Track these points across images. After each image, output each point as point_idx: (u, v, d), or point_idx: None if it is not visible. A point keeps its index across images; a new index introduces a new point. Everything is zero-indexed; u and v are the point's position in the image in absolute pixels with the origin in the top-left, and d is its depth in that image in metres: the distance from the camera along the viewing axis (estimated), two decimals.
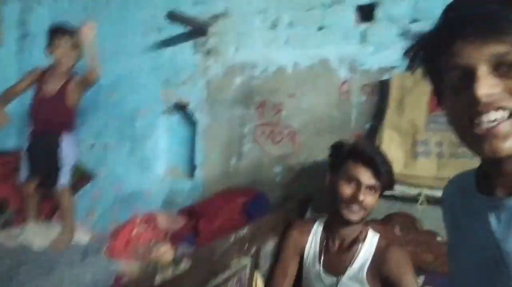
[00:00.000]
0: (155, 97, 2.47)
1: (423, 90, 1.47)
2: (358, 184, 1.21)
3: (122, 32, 2.64)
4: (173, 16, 2.04)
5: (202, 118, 2.24)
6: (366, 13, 1.73)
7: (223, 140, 2.15)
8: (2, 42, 2.96)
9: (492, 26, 0.51)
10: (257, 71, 2.03)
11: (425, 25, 1.63)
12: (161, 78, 2.44)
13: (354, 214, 1.22)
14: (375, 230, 1.37)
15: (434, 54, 0.58)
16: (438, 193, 1.43)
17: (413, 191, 1.49)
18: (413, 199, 1.50)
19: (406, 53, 0.62)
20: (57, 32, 2.17)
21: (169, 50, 2.41)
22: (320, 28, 1.85)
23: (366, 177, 1.21)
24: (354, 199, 1.21)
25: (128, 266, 1.83)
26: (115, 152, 2.67)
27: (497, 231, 0.56)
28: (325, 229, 1.36)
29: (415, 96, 1.49)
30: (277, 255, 1.41)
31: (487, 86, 0.51)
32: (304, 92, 1.87)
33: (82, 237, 2.23)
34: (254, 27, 2.06)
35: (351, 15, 1.76)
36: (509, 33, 0.51)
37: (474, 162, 1.38)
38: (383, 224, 1.49)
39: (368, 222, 1.37)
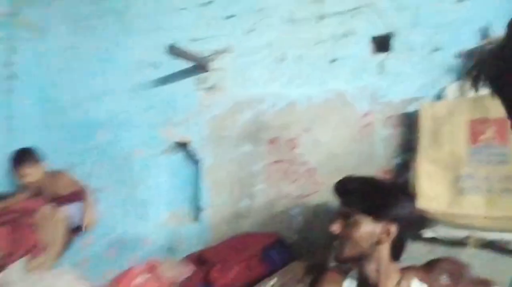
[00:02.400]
0: (153, 137, 2.32)
1: (461, 119, 1.38)
2: (346, 216, 1.11)
3: (114, 70, 2.51)
4: (174, 51, 1.93)
5: (205, 157, 2.09)
6: (382, 44, 1.66)
7: (231, 180, 2.00)
8: None
9: None
10: (265, 106, 1.92)
11: (447, 54, 1.55)
12: (159, 116, 2.30)
13: (337, 251, 1.11)
14: (418, 277, 1.23)
15: (503, 69, 0.50)
16: (492, 236, 1.31)
17: (459, 233, 1.35)
18: (459, 242, 1.37)
19: (469, 72, 0.54)
20: (24, 161, 2.33)
21: (167, 87, 2.28)
22: (333, 61, 1.77)
23: (341, 207, 1.12)
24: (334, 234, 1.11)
25: None
26: (109, 196, 2.48)
27: None
28: (356, 283, 1.22)
29: (452, 126, 1.39)
30: None
31: None
32: (320, 126, 1.76)
33: None
34: (258, 62, 1.97)
35: (365, 46, 1.69)
36: None
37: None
38: (426, 271, 1.35)
39: (406, 268, 1.24)
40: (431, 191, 1.36)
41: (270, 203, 1.88)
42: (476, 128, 1.34)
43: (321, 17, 1.80)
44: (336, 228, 1.13)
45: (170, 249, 2.19)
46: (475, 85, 0.54)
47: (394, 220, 1.08)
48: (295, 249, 1.74)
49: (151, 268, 1.85)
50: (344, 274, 1.26)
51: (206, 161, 2.08)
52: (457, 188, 1.35)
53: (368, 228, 1.09)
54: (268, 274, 1.54)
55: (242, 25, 2.01)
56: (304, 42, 1.83)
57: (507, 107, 0.55)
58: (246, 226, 1.92)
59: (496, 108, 1.33)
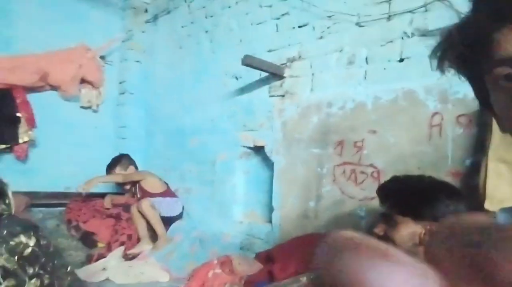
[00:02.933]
0: (234, 142, 2.51)
1: None
2: (378, 219, 1.20)
3: (203, 82, 2.80)
4: (248, 60, 2.09)
5: (279, 159, 2.19)
6: None
7: (300, 182, 2.05)
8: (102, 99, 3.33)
9: None
10: (334, 109, 1.94)
11: None
12: (239, 123, 2.49)
13: None
14: None
15: (472, 48, 0.45)
16: None
17: None
18: None
19: (433, 52, 0.49)
20: (116, 165, 2.90)
21: (246, 96, 2.47)
22: (401, 60, 1.73)
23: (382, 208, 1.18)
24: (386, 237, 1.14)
25: None
26: (197, 196, 2.74)
27: None
28: None
29: None
30: None
31: None
32: (387, 127, 1.72)
33: (161, 277, 2.25)
34: (329, 66, 2.01)
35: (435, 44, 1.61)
36: None
37: None
38: None
39: None
40: (499, 193, 1.24)
41: (336, 205, 1.88)
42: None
43: (389, 17, 1.77)
44: (378, 230, 1.14)
45: (244, 246, 2.32)
46: (441, 65, 0.51)
47: (436, 219, 1.05)
48: None
49: (225, 263, 2.00)
50: None
51: (279, 164, 2.18)
52: None
53: (408, 229, 1.09)
54: None
55: (313, 32, 2.09)
56: (373, 43, 1.82)
57: (474, 87, 0.53)
58: (312, 227, 1.95)
59: None
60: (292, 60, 2.19)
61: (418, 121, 1.62)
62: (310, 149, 2.03)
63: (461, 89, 1.52)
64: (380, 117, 1.75)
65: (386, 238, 1.12)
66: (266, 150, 2.29)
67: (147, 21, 3.39)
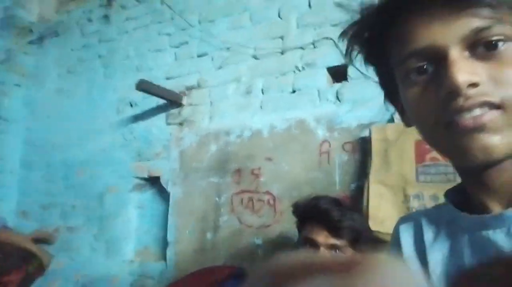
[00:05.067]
0: (126, 173, 2.33)
1: (407, 140, 1.39)
2: (315, 247, 1.06)
3: (95, 109, 2.59)
4: (143, 85, 2.00)
5: (175, 190, 2.08)
6: (338, 74, 1.72)
7: (198, 213, 1.96)
8: None
9: None
10: (232, 138, 1.94)
11: None
12: (133, 152, 2.33)
13: None
14: None
15: (379, 37, 0.44)
16: None
17: None
18: None
19: (343, 34, 0.46)
20: None
21: (141, 124, 2.34)
22: (294, 91, 1.83)
23: (322, 236, 1.06)
24: None
25: None
26: (81, 234, 2.43)
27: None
28: None
29: (399, 147, 1.40)
30: None
31: (467, 72, 0.37)
32: (282, 155, 1.77)
33: None
34: (228, 95, 2.03)
35: (323, 77, 1.75)
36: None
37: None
38: None
39: None
40: (381, 213, 1.33)
41: (233, 235, 1.83)
42: (422, 149, 1.35)
43: (283, 52, 1.88)
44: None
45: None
46: (349, 50, 0.48)
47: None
48: None
49: None
50: None
51: (175, 195, 2.07)
52: (406, 208, 1.32)
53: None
54: None
55: (212, 62, 2.11)
56: (268, 75, 1.91)
57: (381, 78, 0.51)
58: (209, 260, 1.85)
59: None
60: (191, 88, 2.16)
61: (309, 149, 1.70)
62: (208, 178, 1.97)
63: (345, 119, 1.65)
64: (276, 145, 1.79)
65: None
66: (162, 180, 2.17)
67: (31, 42, 3.07)
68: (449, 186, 1.31)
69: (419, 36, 0.40)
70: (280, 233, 1.69)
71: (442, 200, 1.30)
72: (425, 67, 0.41)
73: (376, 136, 1.47)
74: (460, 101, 0.37)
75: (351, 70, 1.68)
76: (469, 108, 0.38)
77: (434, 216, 0.52)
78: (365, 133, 1.58)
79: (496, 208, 0.43)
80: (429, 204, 1.30)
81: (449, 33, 0.38)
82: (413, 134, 1.39)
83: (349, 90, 1.67)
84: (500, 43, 0.38)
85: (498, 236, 0.41)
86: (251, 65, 1.97)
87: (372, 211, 1.35)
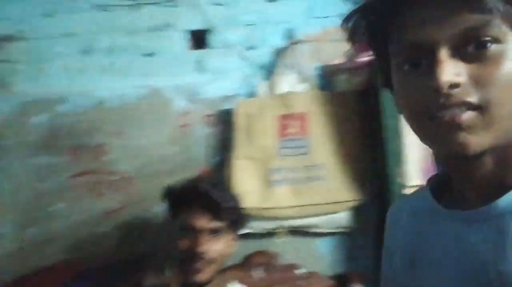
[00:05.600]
0: None
1: (270, 115, 1.39)
2: (195, 233, 0.97)
3: None
4: None
5: None
6: (199, 39, 1.58)
7: (21, 202, 1.55)
8: None
9: None
10: (66, 107, 1.58)
11: (260, 52, 1.57)
12: None
13: (198, 273, 0.95)
14: (236, 278, 1.15)
15: (378, 26, 0.46)
16: (297, 222, 1.34)
17: (271, 225, 1.34)
18: (273, 233, 1.36)
19: (345, 20, 0.47)
20: None
21: None
22: (148, 55, 1.59)
23: (202, 221, 0.99)
24: (193, 253, 0.95)
25: None
26: None
27: (484, 248, 0.42)
28: None
29: (263, 122, 1.39)
30: None
31: (451, 73, 0.39)
32: (133, 129, 1.53)
33: None
34: (59, 53, 1.63)
35: (182, 41, 1.58)
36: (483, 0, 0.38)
37: (330, 183, 1.36)
38: (243, 269, 1.28)
39: (226, 270, 1.14)
40: (245, 187, 1.31)
41: (74, 225, 1.52)
42: (283, 123, 1.37)
43: (137, 5, 1.60)
44: (203, 248, 1.00)
45: None
46: (352, 36, 0.48)
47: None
48: (110, 273, 1.44)
49: None
50: None
51: None
52: (268, 181, 1.34)
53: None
54: None
55: (39, 7, 1.65)
56: (116, 32, 1.60)
57: (380, 64, 0.51)
58: (45, 258, 1.50)
59: (299, 104, 1.39)
60: (4, 39, 1.65)
61: (167, 122, 1.52)
62: (32, 158, 1.56)
63: (207, 89, 1.53)
64: (126, 117, 1.54)
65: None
66: None
67: None
68: (303, 158, 1.37)
69: (414, 31, 0.42)
70: (136, 217, 1.49)
71: (298, 172, 1.36)
72: (417, 61, 0.42)
73: (240, 110, 1.41)
74: (442, 99, 0.39)
75: (213, 38, 1.56)
76: (449, 107, 0.40)
77: (415, 206, 0.55)
78: (228, 105, 1.50)
79: (474, 199, 0.45)
80: (288, 177, 1.34)
81: (440, 32, 0.40)
82: (275, 109, 1.41)
83: (211, 59, 1.55)
84: (488, 44, 0.40)
85: (473, 232, 0.43)
86: (93, 17, 1.61)
87: (235, 184, 1.31)
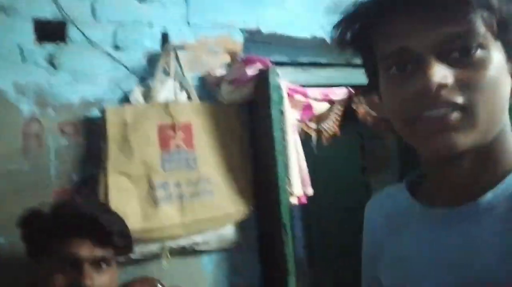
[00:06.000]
0: None
1: (150, 125, 1.25)
2: (76, 264, 0.83)
3: None
4: None
5: None
6: (52, 31, 1.31)
7: None
8: None
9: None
10: None
11: (131, 55, 1.46)
12: None
13: None
14: None
15: (365, 32, 0.48)
16: (183, 241, 1.26)
17: (154, 247, 1.22)
18: (156, 255, 1.24)
19: (335, 27, 0.49)
20: None
21: None
22: None
23: (86, 249, 0.85)
24: None
25: None
26: None
27: (462, 245, 0.46)
28: None
29: (141, 132, 1.24)
30: None
31: (439, 75, 0.42)
32: None
33: None
34: None
35: (30, 31, 1.28)
36: (467, 8, 0.41)
37: (216, 197, 1.32)
38: None
39: None
40: (124, 208, 1.15)
41: None
42: (165, 134, 1.27)
43: None
44: (89, 282, 0.81)
45: None
46: (341, 43, 0.50)
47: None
48: None
49: None
50: None
51: None
52: (151, 199, 1.21)
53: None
54: None
55: None
56: None
57: (367, 70, 0.53)
58: None
59: (182, 114, 1.31)
60: None
61: (10, 130, 1.21)
62: None
63: (63, 92, 1.29)
64: None
65: None
66: None
67: None
68: (189, 173, 1.31)
69: (402, 37, 0.44)
70: None
71: (184, 187, 1.29)
72: (404, 65, 0.45)
73: (112, 119, 1.23)
74: (430, 99, 0.42)
75: (71, 31, 1.32)
76: (436, 106, 0.42)
77: (391, 202, 0.58)
78: (91, 113, 1.30)
79: (452, 197, 0.48)
80: (174, 193, 1.24)
81: (427, 38, 0.43)
82: (155, 118, 1.28)
83: (68, 56, 1.31)
84: (473, 51, 0.43)
85: (453, 230, 0.46)
86: None
87: (113, 206, 1.13)
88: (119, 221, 0.91)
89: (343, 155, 2.87)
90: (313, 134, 1.67)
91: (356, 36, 0.49)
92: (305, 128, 1.61)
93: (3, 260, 1.12)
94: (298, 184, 1.31)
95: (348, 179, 3.07)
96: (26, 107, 1.24)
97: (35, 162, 1.23)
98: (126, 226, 0.93)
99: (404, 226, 0.54)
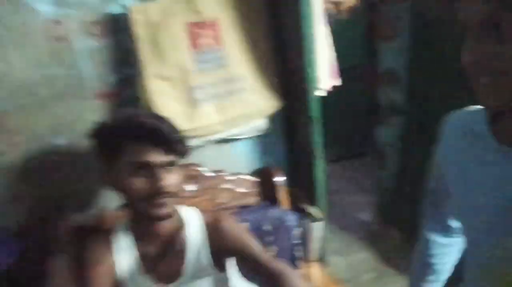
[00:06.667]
0: None
1: (176, 24, 1.20)
2: (150, 169, 0.95)
3: None
4: None
5: None
6: None
7: None
8: None
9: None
10: None
11: None
12: None
13: (163, 208, 0.98)
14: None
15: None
16: (222, 135, 1.39)
17: (197, 141, 1.35)
18: (197, 147, 1.39)
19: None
20: None
21: None
22: None
23: (155, 156, 0.95)
24: (154, 191, 0.95)
25: None
26: None
27: None
28: (134, 236, 1.06)
29: (170, 31, 1.20)
30: None
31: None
32: None
33: None
34: None
35: None
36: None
37: (249, 94, 1.38)
38: None
39: None
40: (167, 111, 1.22)
41: None
42: (194, 32, 1.23)
43: None
44: (162, 183, 0.95)
45: None
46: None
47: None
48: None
49: None
50: (107, 233, 1.06)
51: None
52: (190, 101, 1.27)
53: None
54: None
55: None
56: None
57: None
58: None
59: (209, 9, 1.25)
60: None
61: (34, 35, 1.17)
62: None
63: None
64: None
65: None
66: None
67: None
68: (222, 71, 1.34)
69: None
70: (23, 160, 1.24)
71: (219, 86, 1.34)
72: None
73: (138, 19, 1.18)
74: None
75: None
76: None
77: (469, 126, 0.65)
78: (113, 9, 1.23)
79: None
80: (210, 92, 1.30)
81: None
82: (181, 15, 1.23)
83: None
84: None
85: None
86: None
87: (157, 110, 1.20)
88: (177, 129, 1.00)
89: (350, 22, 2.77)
90: (332, 8, 1.61)
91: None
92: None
93: (64, 160, 1.26)
94: (326, 76, 1.36)
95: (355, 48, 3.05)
96: (45, 8, 1.17)
97: (68, 66, 1.23)
98: (182, 133, 1.02)
99: (475, 152, 0.62)
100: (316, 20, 1.29)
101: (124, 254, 1.02)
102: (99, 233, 1.07)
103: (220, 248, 1.06)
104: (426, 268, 0.90)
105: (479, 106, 0.65)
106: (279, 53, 1.43)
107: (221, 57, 1.29)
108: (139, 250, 1.03)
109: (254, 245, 1.06)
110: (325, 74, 1.37)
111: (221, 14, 1.25)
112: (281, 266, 1.01)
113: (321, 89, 1.37)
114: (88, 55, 1.25)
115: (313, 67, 1.32)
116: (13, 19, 1.14)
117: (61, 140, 1.26)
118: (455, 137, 0.69)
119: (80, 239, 1.09)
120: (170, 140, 0.94)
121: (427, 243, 0.87)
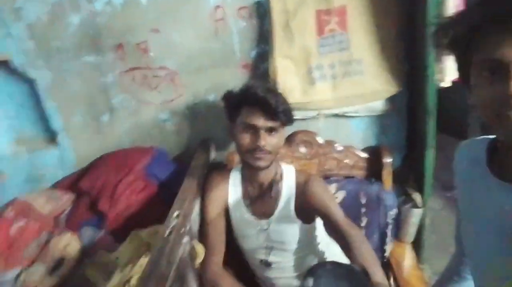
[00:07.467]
0: None
1: (307, 12, 1.39)
2: (256, 130, 1.19)
3: None
4: None
5: (42, 75, 1.73)
6: None
7: (81, 97, 1.76)
8: None
9: None
10: (98, 6, 1.58)
11: None
12: None
13: (260, 161, 1.23)
14: (282, 152, 1.43)
15: (464, 40, 0.58)
16: (336, 110, 1.55)
17: (312, 113, 1.54)
18: (313, 118, 1.58)
19: (434, 32, 0.61)
20: None
21: None
22: None
23: (261, 121, 1.18)
24: (255, 146, 1.19)
25: (29, 274, 1.52)
26: None
27: None
28: (243, 176, 1.37)
29: (300, 19, 1.40)
30: (202, 215, 1.37)
31: None
32: (170, 25, 1.58)
33: None
34: None
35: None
36: None
37: (367, 76, 1.47)
38: (288, 144, 1.56)
39: None
40: (288, 85, 1.45)
41: (133, 114, 1.76)
42: (322, 19, 1.39)
43: None
44: (263, 142, 1.19)
45: (30, 181, 1.96)
46: (437, 45, 0.62)
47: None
48: (176, 154, 1.77)
49: (23, 209, 1.65)
50: (228, 172, 1.39)
51: (42, 81, 1.73)
52: (309, 78, 1.46)
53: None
54: (157, 193, 1.56)
55: None
56: None
57: (459, 67, 0.64)
58: (113, 142, 1.80)
59: None
60: None
61: (202, 16, 1.55)
62: (81, 57, 1.68)
63: None
64: (160, 14, 1.56)
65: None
66: (16, 64, 1.74)
67: None
68: (342, 54, 1.45)
69: (495, 48, 0.54)
70: (187, 106, 1.71)
71: (337, 67, 1.46)
72: (494, 70, 0.56)
73: (275, 7, 1.41)
74: (509, 103, 0.54)
75: None
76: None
77: (474, 155, 0.70)
78: None
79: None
80: (328, 73, 1.46)
81: None
82: (313, 5, 1.39)
83: None
84: None
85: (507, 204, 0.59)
86: None
87: (281, 83, 1.45)
88: (284, 102, 1.22)
89: None
90: None
91: (453, 39, 0.60)
92: None
93: (215, 111, 1.67)
94: (451, 67, 1.32)
95: None
96: None
97: (223, 41, 1.58)
98: (288, 105, 1.23)
99: (478, 185, 0.68)
100: (449, 9, 1.25)
101: (235, 188, 1.36)
102: (223, 168, 1.44)
103: (303, 205, 1.28)
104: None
105: (487, 136, 0.68)
106: (407, 39, 1.45)
107: (343, 40, 1.41)
108: (244, 188, 1.36)
109: (334, 207, 1.23)
110: (450, 65, 1.33)
111: (351, 1, 1.36)
112: (354, 231, 1.16)
113: (444, 80, 1.35)
114: (238, 33, 1.56)
115: (435, 60, 1.30)
116: (188, 5, 1.54)
117: (212, 97, 1.66)
118: (463, 166, 0.73)
119: (210, 168, 1.49)
120: (275, 109, 1.17)
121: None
